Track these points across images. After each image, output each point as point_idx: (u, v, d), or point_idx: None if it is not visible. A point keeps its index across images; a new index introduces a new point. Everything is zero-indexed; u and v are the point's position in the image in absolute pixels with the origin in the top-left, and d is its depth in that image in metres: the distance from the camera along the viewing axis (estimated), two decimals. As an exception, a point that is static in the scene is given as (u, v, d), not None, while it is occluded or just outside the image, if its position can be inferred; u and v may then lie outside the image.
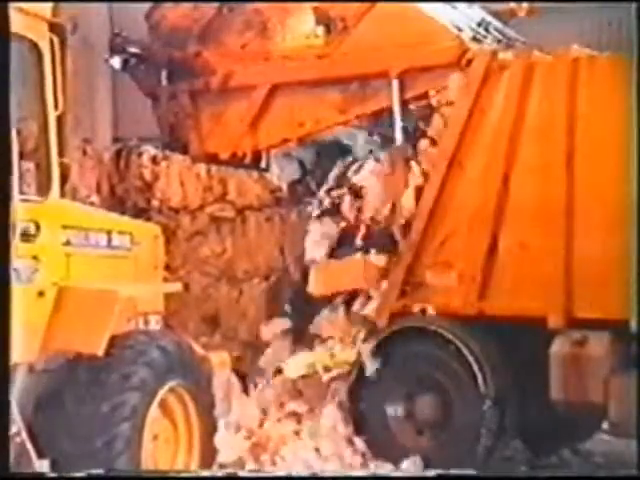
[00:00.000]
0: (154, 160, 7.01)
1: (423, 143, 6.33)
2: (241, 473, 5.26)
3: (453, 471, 5.09)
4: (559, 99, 5.70)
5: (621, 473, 5.18)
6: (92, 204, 6.12)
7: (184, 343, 5.02)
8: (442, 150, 6.15)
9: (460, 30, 6.36)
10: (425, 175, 6.26)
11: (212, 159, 7.27)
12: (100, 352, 4.40)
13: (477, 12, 6.81)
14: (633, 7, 5.46)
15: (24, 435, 4.00)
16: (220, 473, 5.03)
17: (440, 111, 6.24)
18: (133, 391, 4.43)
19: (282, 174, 7.62)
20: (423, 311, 6.05)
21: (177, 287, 5.82)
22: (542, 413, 5.76)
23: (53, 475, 4.02)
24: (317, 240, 6.71)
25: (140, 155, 6.97)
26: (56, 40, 4.48)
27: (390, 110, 6.51)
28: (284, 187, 7.63)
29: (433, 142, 6.28)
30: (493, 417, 5.67)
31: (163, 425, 4.79)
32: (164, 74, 7.27)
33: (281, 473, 5.52)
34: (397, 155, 6.46)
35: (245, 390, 6.33)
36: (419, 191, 6.25)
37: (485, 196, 5.95)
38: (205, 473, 4.82)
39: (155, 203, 7.02)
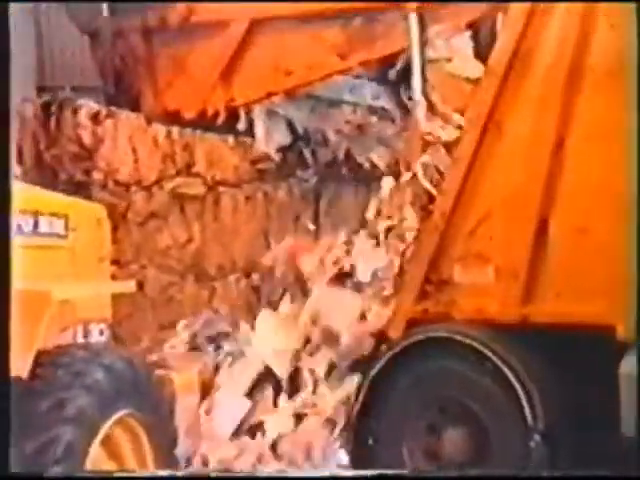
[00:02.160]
0: (95, 118, 6.97)
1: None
2: (239, 473, 5.57)
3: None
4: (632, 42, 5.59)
5: (621, 473, 5.12)
6: (11, 176, 6.15)
7: (137, 360, 5.02)
8: (474, 108, 6.12)
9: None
10: (451, 141, 6.33)
11: (173, 118, 7.35)
12: (24, 373, 4.36)
13: None
14: (633, 7, 5.49)
15: None
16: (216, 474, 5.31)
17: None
18: (68, 424, 4.35)
19: (266, 139, 7.79)
20: (449, 317, 6.04)
21: (128, 287, 5.84)
22: (608, 452, 5.67)
23: (53, 475, 4.19)
24: None
25: (76, 111, 6.92)
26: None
27: (406, 54, 6.58)
28: (269, 155, 7.83)
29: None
30: (543, 456, 5.64)
31: (108, 468, 4.73)
32: (106, 3, 7.30)
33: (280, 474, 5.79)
34: (415, 114, 6.54)
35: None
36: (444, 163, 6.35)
37: (531, 168, 5.91)
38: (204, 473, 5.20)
39: (98, 176, 7.02)
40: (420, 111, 6.49)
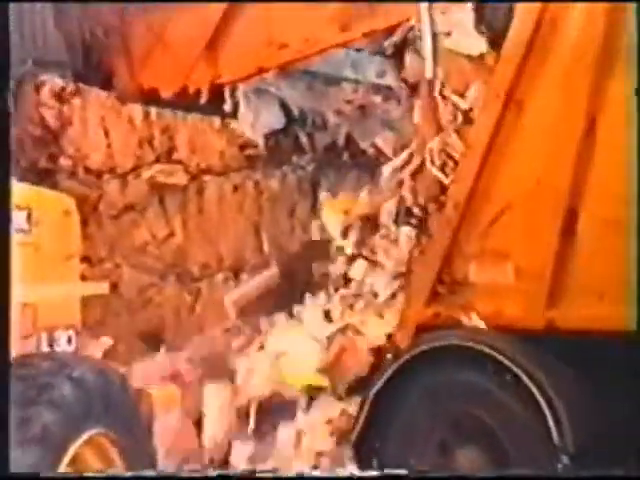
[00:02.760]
0: (61, 96, 6.96)
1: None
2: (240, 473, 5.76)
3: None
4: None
5: (621, 473, 5.19)
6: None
7: (110, 372, 5.01)
8: (494, 84, 6.12)
9: None
10: (466, 121, 6.33)
11: (151, 97, 7.34)
12: (-20, 386, 4.35)
13: None
14: (633, 7, 5.58)
15: None
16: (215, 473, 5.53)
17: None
18: (31, 445, 4.32)
19: (257, 121, 7.82)
20: (464, 323, 6.04)
21: (101, 288, 5.87)
22: (645, 475, 5.70)
23: (53, 475, 4.32)
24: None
25: (39, 88, 6.92)
26: None
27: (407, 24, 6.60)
28: (260, 140, 7.84)
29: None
30: (571, 480, 5.61)
31: (76, 493, 4.76)
32: None
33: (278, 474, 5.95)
34: (425, 93, 6.53)
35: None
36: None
37: (558, 152, 5.90)
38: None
39: (65, 162, 7.01)
40: (432, 89, 6.49)
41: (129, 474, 4.66)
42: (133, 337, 7.18)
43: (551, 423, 5.64)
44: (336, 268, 7.06)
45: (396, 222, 6.74)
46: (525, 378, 5.73)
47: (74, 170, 7.06)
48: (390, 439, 6.13)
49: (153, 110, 7.36)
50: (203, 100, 7.40)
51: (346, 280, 6.95)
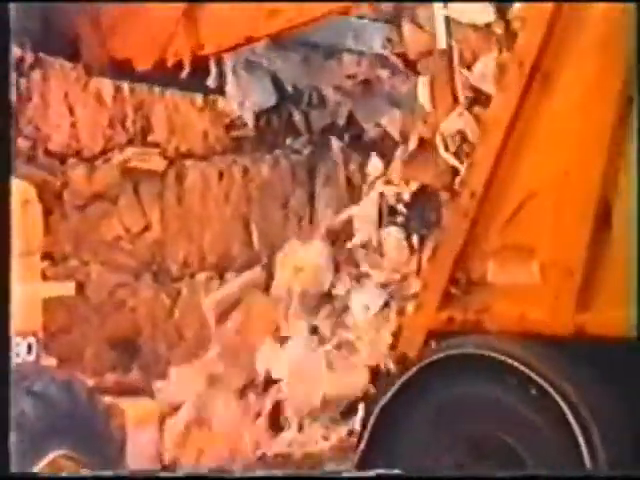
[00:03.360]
0: (18, 68, 6.96)
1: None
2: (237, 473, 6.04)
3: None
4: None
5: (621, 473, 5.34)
6: None
7: (77, 385, 5.08)
8: (516, 54, 6.09)
9: None
10: (477, 100, 6.42)
11: (123, 70, 7.38)
12: None
13: None
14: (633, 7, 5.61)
15: None
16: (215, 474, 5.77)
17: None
18: (-13, 468, 4.45)
19: (245, 98, 7.86)
20: (481, 328, 5.97)
21: (66, 289, 5.95)
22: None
23: (53, 475, 4.57)
24: None
25: None
26: None
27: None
28: (249, 120, 7.88)
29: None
30: (605, 509, 5.65)
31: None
32: None
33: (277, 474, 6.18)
34: (438, 64, 6.62)
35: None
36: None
37: (590, 133, 5.83)
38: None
39: (23, 144, 7.03)
40: (450, 61, 6.55)
41: (128, 474, 4.82)
42: (103, 345, 7.22)
43: (582, 443, 5.59)
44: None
45: (379, 224, 6.79)
46: (552, 392, 5.67)
47: (33, 153, 7.10)
48: (397, 461, 6.02)
49: (125, 85, 7.40)
50: (184, 74, 7.42)
51: (330, 297, 7.06)
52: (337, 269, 7.19)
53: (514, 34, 6.45)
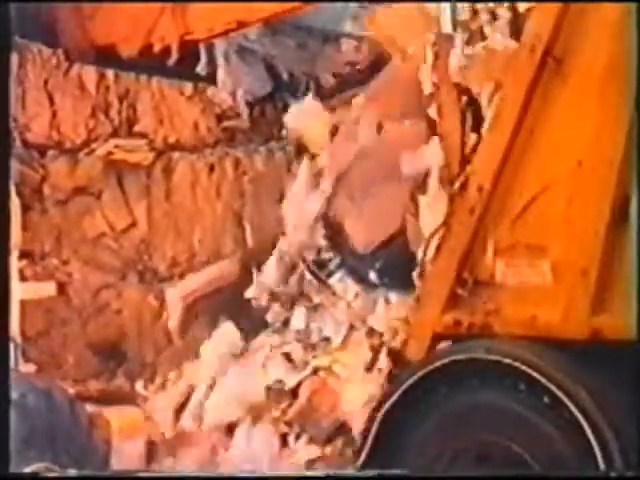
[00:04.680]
0: None
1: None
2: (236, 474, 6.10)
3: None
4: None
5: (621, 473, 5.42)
6: None
7: (58, 393, 5.18)
8: (526, 38, 6.05)
9: None
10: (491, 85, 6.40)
11: (106, 56, 7.38)
12: None
13: None
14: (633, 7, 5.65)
15: None
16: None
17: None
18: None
19: (238, 86, 7.89)
20: (490, 332, 5.97)
21: (45, 290, 6.15)
22: None
23: (53, 475, 4.69)
24: None
25: None
26: None
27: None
28: (242, 110, 7.90)
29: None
30: (623, 525, 5.73)
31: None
32: None
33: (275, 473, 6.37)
34: (441, 47, 6.61)
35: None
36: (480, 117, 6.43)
37: (607, 122, 5.79)
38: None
39: None
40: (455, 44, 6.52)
41: (129, 474, 5.09)
42: (85, 350, 7.19)
43: (598, 455, 5.56)
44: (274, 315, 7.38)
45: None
46: (566, 400, 5.66)
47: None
48: (400, 469, 6.05)
49: (110, 72, 7.39)
50: (172, 61, 7.43)
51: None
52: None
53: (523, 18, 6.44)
